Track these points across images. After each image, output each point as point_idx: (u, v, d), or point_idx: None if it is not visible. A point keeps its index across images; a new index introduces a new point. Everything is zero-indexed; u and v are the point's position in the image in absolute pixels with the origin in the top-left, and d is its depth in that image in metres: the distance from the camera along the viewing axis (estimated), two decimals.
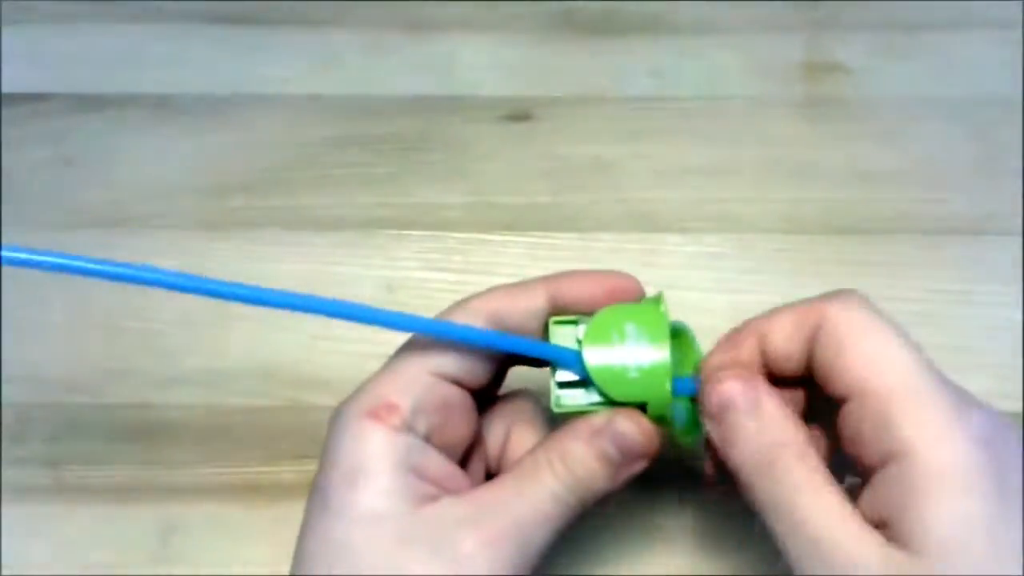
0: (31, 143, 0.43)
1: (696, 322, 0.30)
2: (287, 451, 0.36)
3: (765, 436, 0.25)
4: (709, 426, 0.26)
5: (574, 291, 0.27)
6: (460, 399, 0.27)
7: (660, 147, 0.43)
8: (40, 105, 0.44)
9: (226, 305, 0.39)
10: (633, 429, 0.26)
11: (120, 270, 0.25)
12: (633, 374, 0.26)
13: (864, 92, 0.44)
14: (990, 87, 0.44)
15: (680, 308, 0.29)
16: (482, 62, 0.45)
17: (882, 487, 0.23)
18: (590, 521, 0.34)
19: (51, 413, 0.37)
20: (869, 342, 0.24)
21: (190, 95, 0.45)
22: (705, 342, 0.29)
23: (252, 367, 0.38)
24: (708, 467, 0.28)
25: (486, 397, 0.29)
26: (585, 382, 0.27)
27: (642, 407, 0.26)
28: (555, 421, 0.28)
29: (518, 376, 0.30)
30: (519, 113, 0.44)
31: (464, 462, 0.28)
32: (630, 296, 0.28)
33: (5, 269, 0.40)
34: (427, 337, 0.26)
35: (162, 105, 0.44)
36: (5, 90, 0.45)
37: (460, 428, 0.27)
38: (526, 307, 0.27)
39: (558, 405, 0.27)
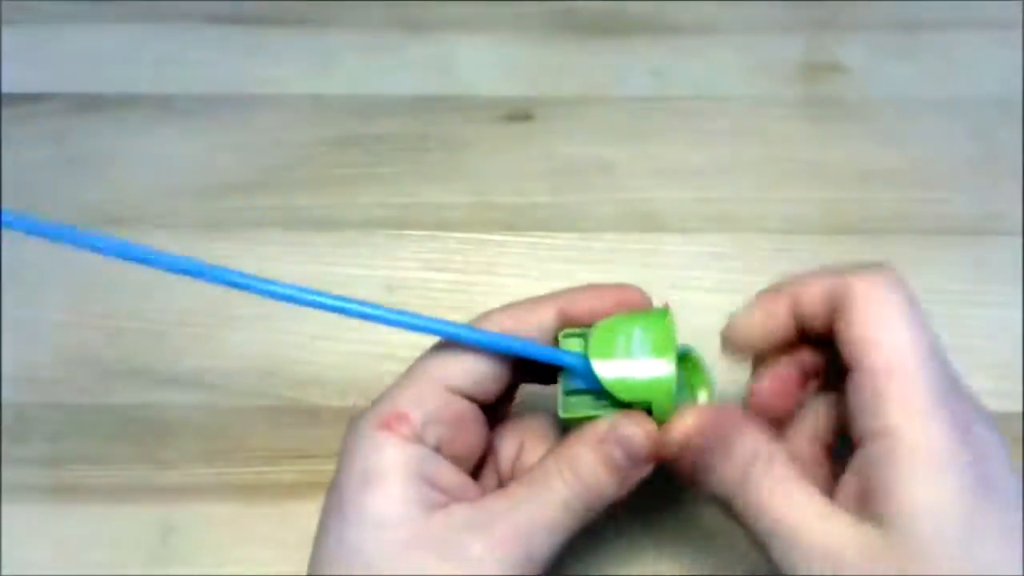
0: (31, 143, 0.43)
1: (696, 322, 0.30)
2: (287, 451, 0.36)
3: (736, 462, 0.25)
4: (675, 459, 0.26)
5: (582, 305, 0.28)
6: (471, 412, 0.27)
7: (660, 147, 0.43)
8: (40, 105, 0.44)
9: (226, 305, 0.39)
10: (638, 433, 0.26)
11: (116, 247, 0.25)
12: (639, 375, 0.26)
13: (864, 92, 0.44)
14: (990, 87, 0.44)
15: (680, 308, 0.29)
16: (482, 62, 0.45)
17: (864, 463, 0.24)
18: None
19: (51, 413, 0.37)
20: (877, 319, 0.25)
21: (190, 95, 0.45)
22: (706, 343, 0.29)
23: (252, 367, 0.38)
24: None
25: (498, 413, 0.29)
26: (592, 391, 0.27)
27: (648, 411, 0.27)
28: (565, 433, 0.28)
29: (528, 396, 0.30)
30: (519, 113, 0.44)
31: (476, 474, 0.29)
32: (637, 308, 0.28)
33: (5, 269, 0.40)
34: (441, 352, 0.27)
35: (162, 105, 0.44)
36: (5, 90, 0.45)
37: (471, 440, 0.27)
38: (537, 323, 0.27)
39: (565, 410, 0.27)
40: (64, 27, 0.47)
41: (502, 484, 0.29)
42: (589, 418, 0.27)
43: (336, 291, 0.39)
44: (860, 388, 0.25)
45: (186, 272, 0.26)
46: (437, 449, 0.26)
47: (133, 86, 0.45)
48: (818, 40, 0.46)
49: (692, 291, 0.39)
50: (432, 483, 0.25)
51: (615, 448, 0.26)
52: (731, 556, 0.34)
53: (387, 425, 0.25)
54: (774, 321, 0.28)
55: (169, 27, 0.47)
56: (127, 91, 0.45)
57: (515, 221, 0.41)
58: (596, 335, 0.27)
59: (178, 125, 0.44)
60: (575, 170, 0.42)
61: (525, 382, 0.29)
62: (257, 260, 0.40)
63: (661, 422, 0.27)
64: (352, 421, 0.26)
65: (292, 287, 0.26)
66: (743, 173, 0.42)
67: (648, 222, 0.41)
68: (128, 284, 0.40)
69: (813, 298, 0.27)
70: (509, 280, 0.39)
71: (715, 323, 0.29)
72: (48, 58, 0.46)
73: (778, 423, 0.29)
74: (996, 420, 0.25)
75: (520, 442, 0.29)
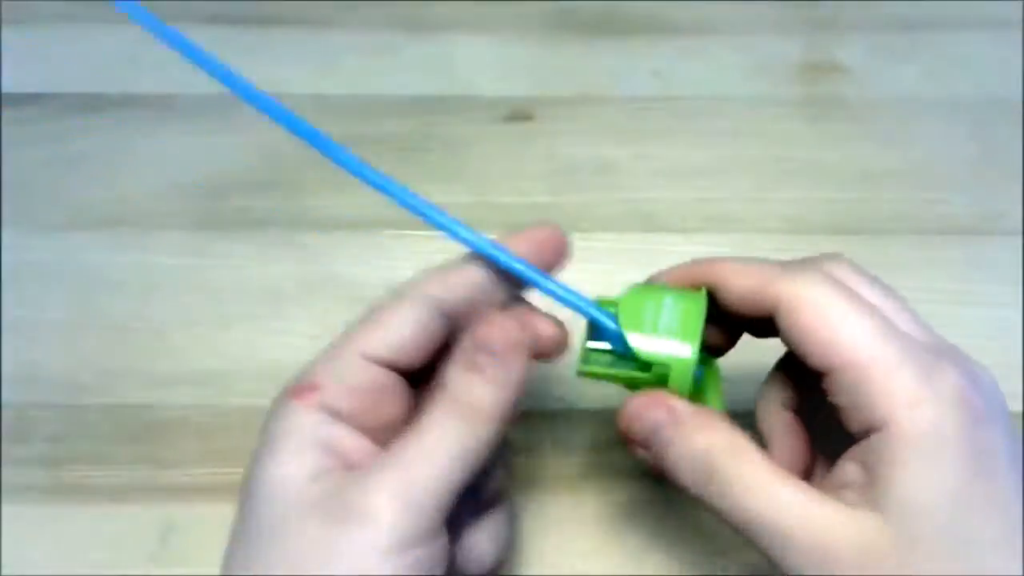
0: (31, 143, 0.43)
1: None
2: None
3: (696, 447, 0.26)
4: (643, 455, 0.27)
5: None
6: (390, 381, 0.27)
7: (660, 147, 0.43)
8: (40, 105, 0.44)
9: (226, 305, 0.39)
10: (488, 328, 0.26)
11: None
12: (664, 349, 0.27)
13: (864, 92, 0.44)
14: (990, 87, 0.44)
15: None
16: (482, 62, 0.45)
17: (862, 455, 0.24)
18: (592, 520, 0.34)
19: (51, 413, 0.37)
20: (829, 321, 0.25)
21: (190, 95, 0.45)
22: None
23: (252, 367, 0.38)
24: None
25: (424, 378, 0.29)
26: (613, 352, 0.28)
27: (665, 382, 0.27)
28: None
29: None
30: (519, 113, 0.44)
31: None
32: (561, 243, 0.28)
33: (5, 269, 0.40)
34: (362, 322, 0.27)
35: (162, 105, 0.44)
36: (5, 90, 0.45)
37: (388, 409, 0.27)
38: (459, 282, 0.28)
39: (584, 365, 0.28)
40: (64, 27, 0.47)
41: None
42: (606, 376, 0.28)
43: (336, 291, 0.40)
44: (841, 388, 0.25)
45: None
46: (350, 417, 0.26)
47: (133, 86, 0.45)
48: (818, 40, 0.46)
49: None
50: (332, 450, 0.25)
51: (472, 351, 0.26)
52: (731, 557, 0.34)
53: (297, 394, 0.26)
54: (687, 281, 0.28)
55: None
56: (127, 91, 0.45)
57: (515, 221, 0.41)
58: (628, 302, 0.27)
59: (178, 125, 0.44)
60: (575, 170, 0.42)
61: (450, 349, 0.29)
62: (257, 260, 0.40)
63: (681, 385, 0.27)
64: (279, 393, 0.27)
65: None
66: (743, 173, 0.42)
67: (648, 222, 0.41)
68: (128, 284, 0.40)
69: (739, 290, 0.27)
70: None
71: None
72: (48, 58, 0.46)
73: None
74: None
75: None
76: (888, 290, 0.27)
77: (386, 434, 0.27)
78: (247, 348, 0.38)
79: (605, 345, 0.28)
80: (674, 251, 0.40)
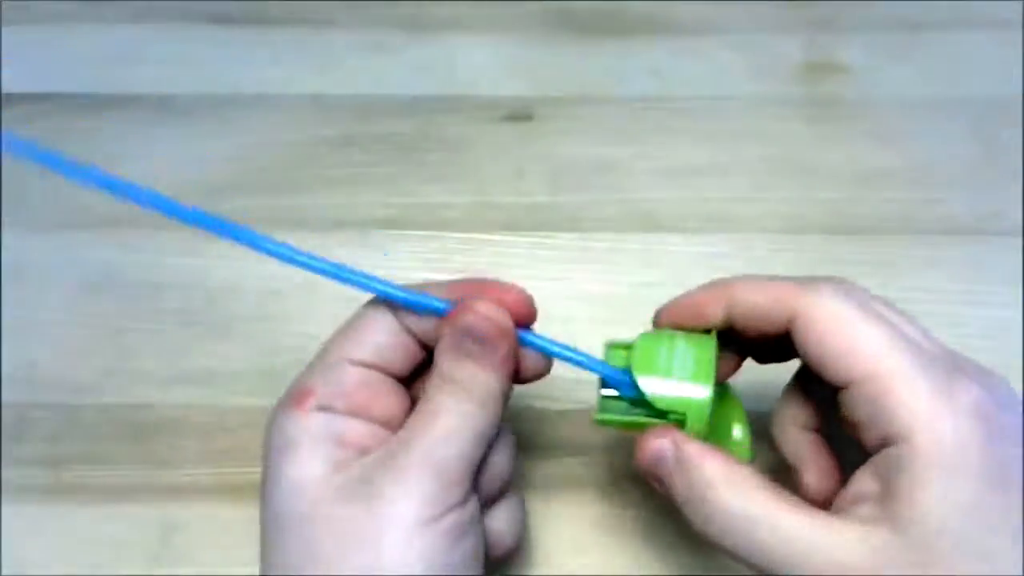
0: (31, 143, 0.43)
1: None
2: None
3: (694, 480, 0.26)
4: (649, 479, 0.27)
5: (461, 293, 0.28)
6: (382, 383, 0.28)
7: (660, 147, 0.43)
8: (40, 105, 0.44)
9: (226, 305, 0.39)
10: (470, 316, 0.27)
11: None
12: (678, 392, 0.27)
13: (864, 92, 0.44)
14: (990, 87, 0.44)
15: None
16: (482, 62, 0.45)
17: (878, 468, 0.24)
18: (593, 520, 0.34)
19: (51, 413, 0.37)
20: (848, 334, 0.25)
21: (190, 95, 0.45)
22: None
23: (252, 367, 0.38)
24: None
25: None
26: (629, 398, 0.28)
27: (682, 425, 0.27)
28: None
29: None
30: (519, 113, 0.44)
31: None
32: (524, 305, 0.28)
33: (5, 269, 0.40)
34: (346, 329, 0.28)
35: (162, 105, 0.44)
36: (5, 90, 0.45)
37: (386, 404, 0.28)
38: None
39: (601, 413, 0.28)
40: (64, 27, 0.47)
41: None
42: (623, 424, 0.28)
43: (336, 291, 0.39)
44: (859, 401, 0.24)
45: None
46: (350, 413, 0.27)
47: (133, 86, 0.45)
48: (818, 40, 0.46)
49: None
50: (343, 441, 0.26)
51: (459, 337, 0.26)
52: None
53: (296, 402, 0.27)
54: (704, 309, 0.28)
55: (169, 27, 0.47)
56: (127, 91, 0.45)
57: (515, 221, 0.41)
58: (640, 349, 0.27)
59: (178, 125, 0.44)
60: (575, 170, 0.42)
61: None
62: (257, 260, 0.40)
63: (699, 431, 0.27)
64: (273, 408, 0.28)
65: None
66: (743, 173, 0.42)
67: (648, 222, 0.41)
68: (128, 284, 0.40)
69: (755, 307, 0.27)
70: (509, 280, 0.39)
71: None
72: (48, 58, 0.46)
73: None
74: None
75: None
76: (895, 307, 0.26)
77: (391, 426, 0.27)
78: (247, 348, 0.38)
79: (617, 392, 0.28)
80: (674, 251, 0.40)
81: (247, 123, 0.44)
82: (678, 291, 0.29)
